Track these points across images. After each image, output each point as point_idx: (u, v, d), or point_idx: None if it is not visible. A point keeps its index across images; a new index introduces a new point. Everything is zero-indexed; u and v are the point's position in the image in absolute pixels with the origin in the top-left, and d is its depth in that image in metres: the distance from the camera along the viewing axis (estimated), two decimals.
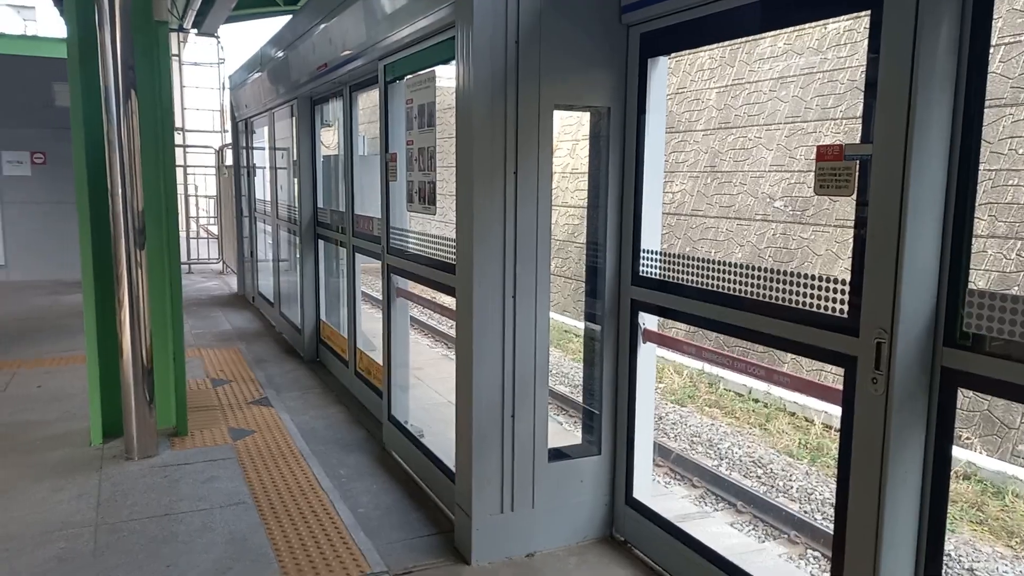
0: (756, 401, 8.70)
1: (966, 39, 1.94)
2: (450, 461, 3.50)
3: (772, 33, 12.89)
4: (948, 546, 5.35)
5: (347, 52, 4.62)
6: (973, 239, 1.98)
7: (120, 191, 3.99)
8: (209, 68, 17.26)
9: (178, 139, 15.08)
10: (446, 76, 3.45)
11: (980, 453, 7.02)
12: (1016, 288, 7.71)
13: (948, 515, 2.12)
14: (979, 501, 6.13)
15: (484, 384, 3.07)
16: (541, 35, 2.97)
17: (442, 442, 3.83)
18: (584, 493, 3.34)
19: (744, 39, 11.05)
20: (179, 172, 12.48)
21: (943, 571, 2.17)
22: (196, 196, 13.43)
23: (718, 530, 3.52)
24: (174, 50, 15.45)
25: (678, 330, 9.59)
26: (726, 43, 2.93)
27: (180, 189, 12.69)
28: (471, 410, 3.07)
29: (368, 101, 5.30)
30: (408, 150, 3.84)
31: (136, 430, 4.15)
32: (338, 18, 4.66)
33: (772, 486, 6.59)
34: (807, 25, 12.21)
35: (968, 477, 6.54)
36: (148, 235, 4.26)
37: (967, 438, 7.37)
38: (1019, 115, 8.46)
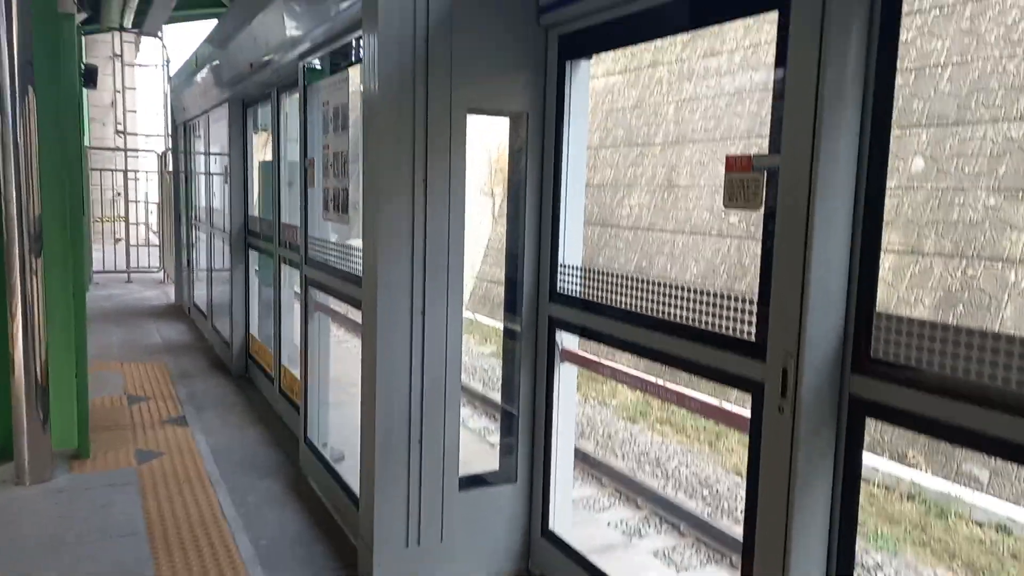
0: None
1: (874, 47, 1.80)
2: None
3: (687, 34, 12.94)
4: (890, 570, 5.26)
5: (270, 52, 4.40)
6: (882, 257, 1.84)
7: (14, 194, 3.71)
8: (155, 70, 16.84)
9: (120, 143, 14.61)
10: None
11: (927, 472, 6.97)
12: (961, 307, 7.73)
13: (861, 544, 1.97)
14: (923, 522, 6.06)
15: (388, 406, 2.86)
16: (452, 36, 2.79)
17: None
18: (498, 524, 3.13)
19: (661, 38, 11.10)
20: (120, 177, 12.06)
21: None
22: (137, 202, 12.99)
23: (641, 560, 3.34)
24: (116, 50, 15.00)
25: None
26: (644, 43, 2.88)
27: (120, 194, 12.28)
28: (375, 434, 2.86)
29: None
30: (324, 155, 3.64)
31: (28, 452, 3.84)
32: (261, 15, 4.44)
33: (717, 507, 6.46)
34: (744, 35, 12.26)
35: (912, 497, 6.47)
36: (49, 242, 3.99)
37: (912, 457, 7.32)
38: (964, 134, 8.52)
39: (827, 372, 1.90)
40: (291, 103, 5.02)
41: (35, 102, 3.74)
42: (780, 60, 1.94)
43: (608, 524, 5.64)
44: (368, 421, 2.92)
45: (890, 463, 7.15)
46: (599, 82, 16.03)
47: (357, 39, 3.24)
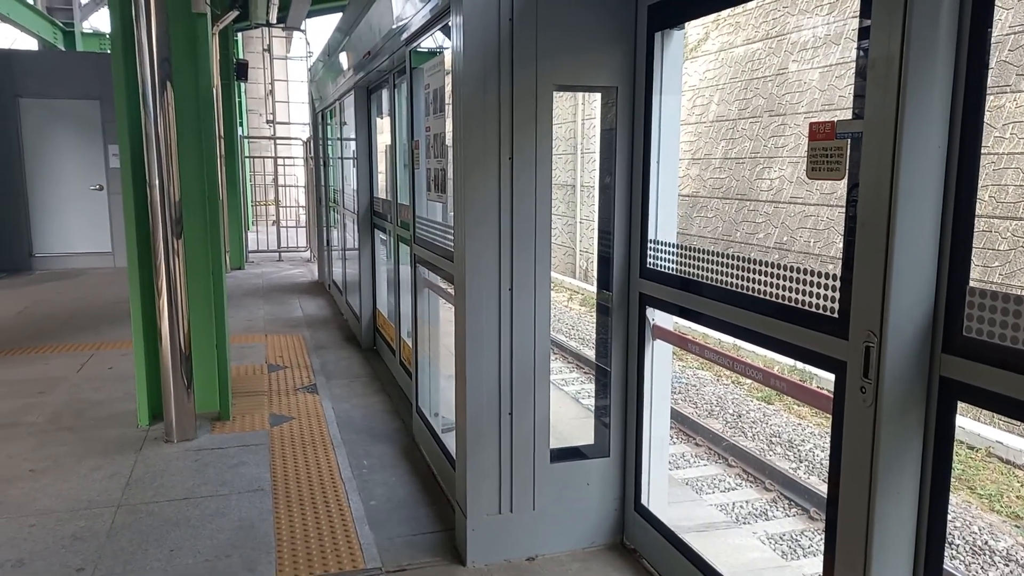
0: None
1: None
2: None
3: None
4: None
5: (382, 38, 4.57)
6: (975, 232, 1.67)
7: (157, 181, 4.10)
8: (300, 62, 17.89)
9: (268, 132, 15.69)
10: None
11: None
12: None
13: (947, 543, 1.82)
14: None
15: (479, 380, 2.94)
16: (538, 12, 2.78)
17: None
18: (591, 496, 3.15)
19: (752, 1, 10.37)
20: (270, 164, 12.97)
21: None
22: (288, 187, 13.90)
23: (741, 542, 3.24)
24: (264, 45, 16.07)
25: None
26: (736, 7, 2.70)
27: (270, 179, 13.19)
28: (466, 407, 2.95)
29: None
30: (426, 137, 3.75)
31: (175, 414, 4.28)
32: (375, 4, 4.62)
33: None
34: None
35: None
36: (189, 225, 4.39)
37: None
38: None
39: (914, 351, 1.76)
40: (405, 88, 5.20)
41: (173, 96, 4.11)
42: (864, 11, 1.79)
43: (725, 504, 5.50)
44: (460, 394, 3.01)
45: None
46: (739, 51, 15.33)
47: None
